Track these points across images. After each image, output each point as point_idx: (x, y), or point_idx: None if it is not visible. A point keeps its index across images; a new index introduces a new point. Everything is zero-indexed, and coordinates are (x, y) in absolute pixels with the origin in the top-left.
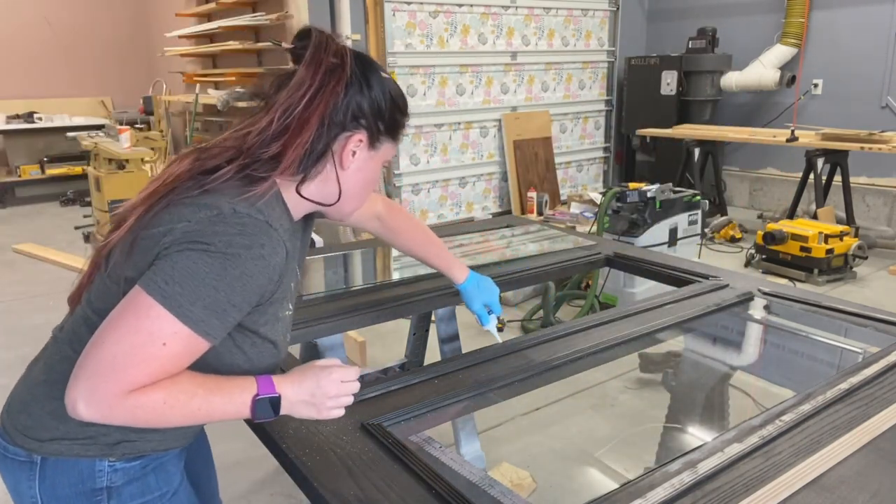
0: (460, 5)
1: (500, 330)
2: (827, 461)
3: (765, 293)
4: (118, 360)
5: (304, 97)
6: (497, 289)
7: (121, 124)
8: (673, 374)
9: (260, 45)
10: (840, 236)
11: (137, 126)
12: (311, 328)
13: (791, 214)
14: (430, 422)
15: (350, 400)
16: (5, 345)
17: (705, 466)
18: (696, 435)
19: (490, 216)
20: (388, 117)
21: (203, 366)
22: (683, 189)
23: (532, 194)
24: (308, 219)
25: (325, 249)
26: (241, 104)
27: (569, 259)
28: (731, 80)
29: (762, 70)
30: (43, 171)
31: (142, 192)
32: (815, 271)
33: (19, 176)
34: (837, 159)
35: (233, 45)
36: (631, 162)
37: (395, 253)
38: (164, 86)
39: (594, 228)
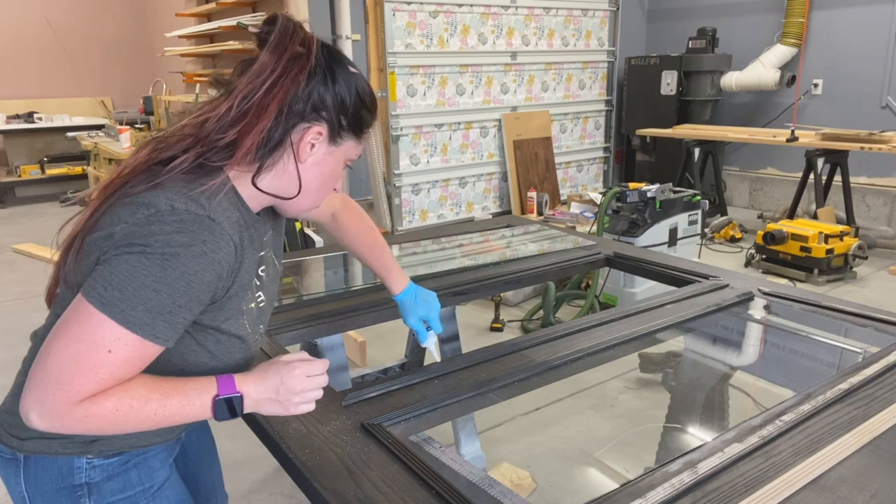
0: (460, 5)
1: (500, 330)
2: (827, 461)
3: (765, 293)
4: (63, 371)
5: (265, 83)
6: (438, 304)
7: (121, 124)
8: (673, 374)
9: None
10: (840, 236)
11: (137, 126)
12: (311, 328)
13: (791, 214)
14: (430, 422)
15: (318, 394)
16: (5, 345)
17: (705, 466)
18: (696, 435)
19: (490, 216)
20: (351, 113)
21: (168, 366)
22: (683, 189)
23: (532, 194)
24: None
25: (325, 249)
26: None
27: (569, 259)
28: (731, 80)
29: (762, 70)
30: (43, 171)
31: (99, 185)
32: (815, 271)
33: (19, 176)
34: (837, 159)
35: (233, 45)
36: (631, 162)
37: (395, 253)
38: (164, 86)
39: (594, 228)
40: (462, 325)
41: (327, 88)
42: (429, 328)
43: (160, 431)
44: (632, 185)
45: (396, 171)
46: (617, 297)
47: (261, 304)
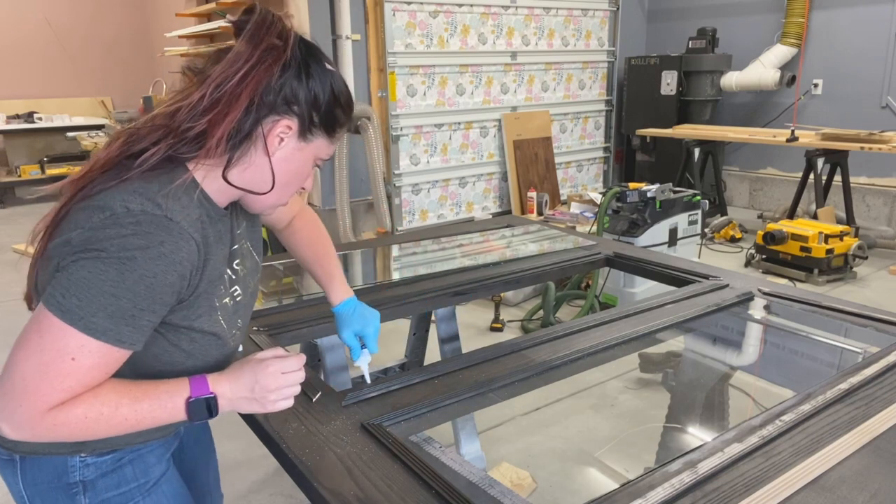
0: (460, 5)
1: (500, 330)
2: (827, 461)
3: (765, 293)
4: (29, 381)
5: (238, 72)
6: (377, 324)
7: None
8: (673, 374)
9: None
10: (840, 236)
11: None
12: (311, 328)
13: (791, 214)
14: (430, 422)
15: (295, 390)
16: (5, 345)
17: (705, 466)
18: (696, 435)
19: (490, 216)
20: (324, 110)
21: (145, 368)
22: (683, 189)
23: (532, 194)
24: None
25: None
26: None
27: (569, 259)
28: (731, 80)
29: (762, 70)
30: (43, 171)
31: (70, 178)
32: (815, 271)
33: (19, 176)
34: (837, 159)
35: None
36: (631, 162)
37: (395, 253)
38: (164, 86)
39: (594, 228)
40: (462, 325)
41: (300, 82)
42: (364, 346)
43: (156, 427)
44: (632, 185)
45: (396, 171)
46: (617, 297)
47: (238, 299)
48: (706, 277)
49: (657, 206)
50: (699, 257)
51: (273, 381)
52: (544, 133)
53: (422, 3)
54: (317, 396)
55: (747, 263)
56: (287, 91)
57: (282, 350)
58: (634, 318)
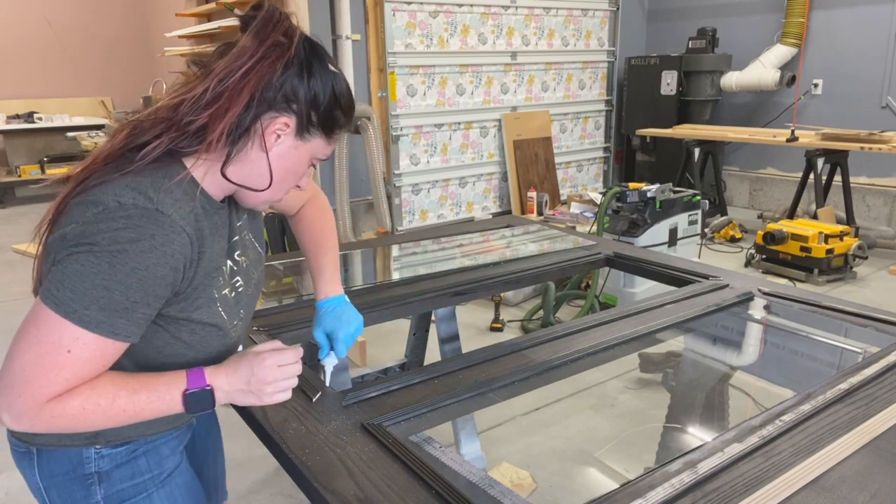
0: (460, 5)
1: (500, 330)
2: (827, 461)
3: (765, 293)
4: (27, 373)
5: (242, 67)
6: (352, 329)
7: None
8: (673, 374)
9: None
10: (840, 236)
11: None
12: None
13: (791, 214)
14: (430, 422)
15: (292, 383)
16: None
17: (705, 466)
18: (696, 435)
19: (490, 216)
20: (323, 110)
21: (147, 361)
22: (683, 189)
23: (532, 194)
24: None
25: None
26: None
27: (569, 259)
28: (731, 80)
29: (762, 70)
30: (43, 171)
31: (75, 167)
32: (815, 271)
33: (19, 176)
34: (837, 159)
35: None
36: (631, 162)
37: (395, 252)
38: (164, 86)
39: (594, 228)
40: (462, 325)
41: (301, 81)
42: (332, 348)
43: (168, 419)
44: (632, 185)
45: (396, 171)
46: (617, 297)
47: (239, 289)
48: (706, 277)
49: (657, 206)
50: (699, 257)
51: (270, 374)
52: (544, 133)
53: (422, 3)
54: (317, 396)
55: (747, 263)
56: (287, 89)
57: (279, 343)
58: (634, 318)
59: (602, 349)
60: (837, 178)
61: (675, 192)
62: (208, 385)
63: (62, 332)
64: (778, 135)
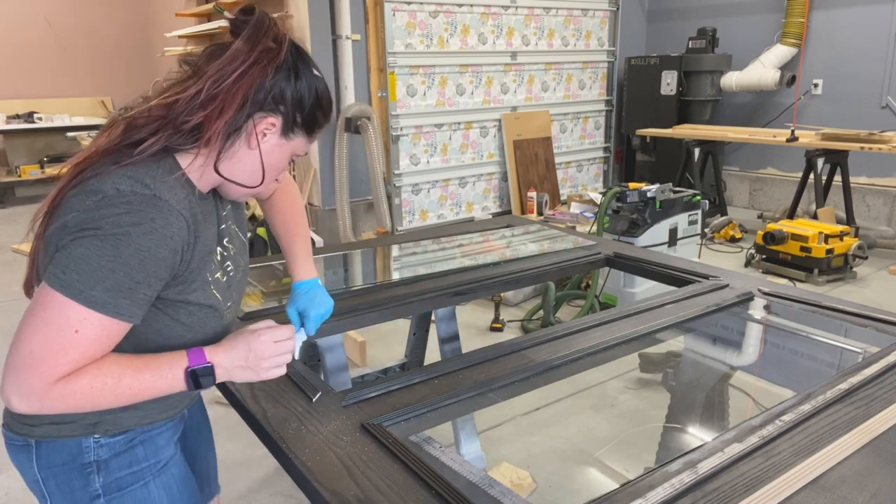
0: (460, 5)
1: (500, 330)
2: (827, 461)
3: (765, 293)
4: (35, 354)
5: (235, 70)
6: (323, 310)
7: None
8: (673, 374)
9: None
10: (840, 236)
11: None
12: None
13: (791, 214)
14: (430, 422)
15: (287, 358)
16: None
17: (705, 466)
18: (696, 435)
19: (490, 216)
20: (307, 111)
21: (148, 343)
22: (683, 189)
23: (532, 194)
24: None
25: (326, 249)
26: None
27: (569, 259)
28: (731, 80)
29: (762, 70)
30: (43, 171)
31: (71, 160)
32: (815, 271)
33: (19, 176)
34: (837, 159)
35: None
36: (631, 162)
37: (395, 252)
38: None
39: (594, 228)
40: (462, 325)
41: (289, 84)
42: (302, 325)
43: (161, 408)
44: (632, 185)
45: (396, 171)
46: (617, 297)
47: (230, 273)
48: (706, 277)
49: (657, 206)
50: (699, 257)
51: (266, 349)
52: (544, 133)
53: (422, 3)
54: (317, 396)
55: (747, 263)
56: (276, 91)
57: (272, 322)
58: (634, 318)
59: (602, 349)
60: (837, 178)
61: (675, 192)
62: (208, 362)
63: (69, 313)
64: (778, 135)
